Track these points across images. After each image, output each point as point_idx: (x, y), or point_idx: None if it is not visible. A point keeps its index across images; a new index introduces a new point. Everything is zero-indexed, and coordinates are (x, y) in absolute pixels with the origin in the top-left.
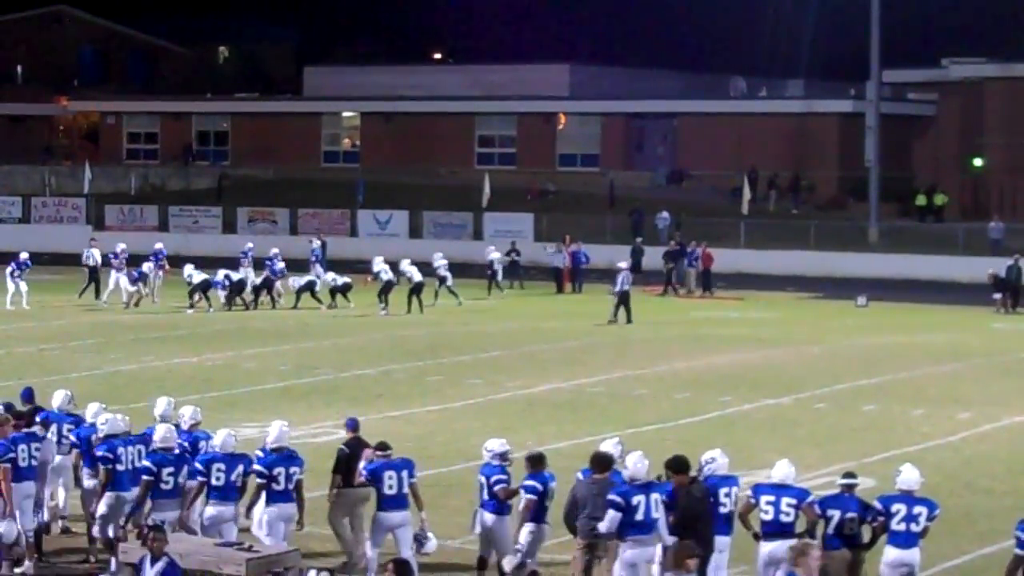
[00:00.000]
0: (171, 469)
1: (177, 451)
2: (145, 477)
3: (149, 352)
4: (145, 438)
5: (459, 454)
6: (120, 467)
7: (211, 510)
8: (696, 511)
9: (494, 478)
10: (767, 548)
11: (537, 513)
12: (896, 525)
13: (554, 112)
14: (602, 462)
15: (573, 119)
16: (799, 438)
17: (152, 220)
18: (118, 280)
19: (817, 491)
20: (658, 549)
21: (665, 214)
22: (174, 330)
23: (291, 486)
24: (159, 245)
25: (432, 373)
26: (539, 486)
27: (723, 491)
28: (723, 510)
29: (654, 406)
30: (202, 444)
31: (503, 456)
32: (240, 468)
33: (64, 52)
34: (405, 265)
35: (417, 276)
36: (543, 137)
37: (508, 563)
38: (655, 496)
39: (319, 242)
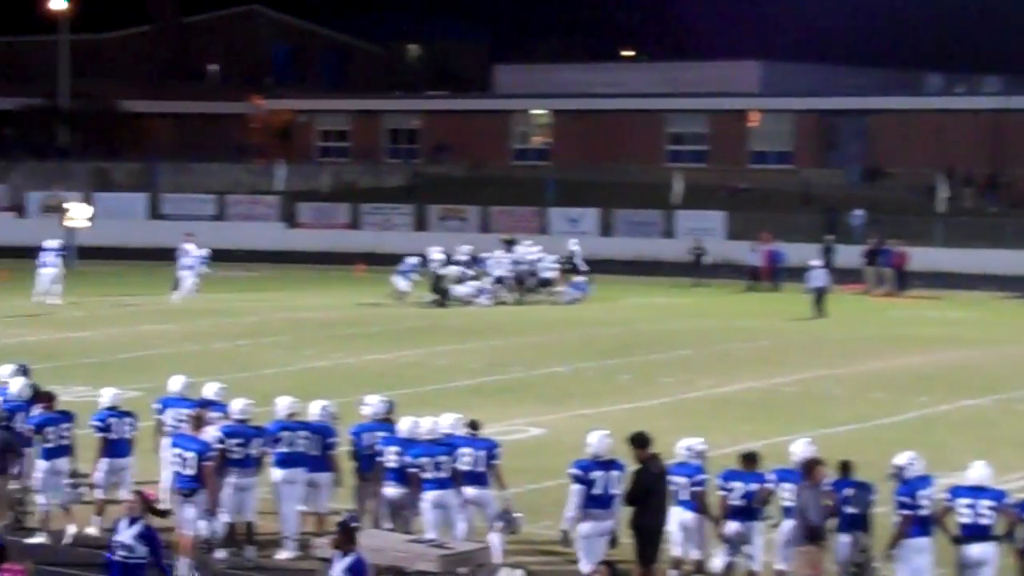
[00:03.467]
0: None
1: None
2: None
3: (341, 349)
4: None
5: None
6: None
7: (230, 480)
8: (650, 486)
9: (696, 478)
10: (966, 551)
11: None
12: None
13: (746, 109)
14: (810, 465)
15: (765, 116)
16: (998, 439)
17: (344, 218)
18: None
19: (1017, 493)
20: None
21: (859, 212)
22: (366, 327)
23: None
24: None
25: (623, 371)
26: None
27: (921, 493)
28: (922, 512)
29: (849, 406)
30: (215, 414)
31: (701, 455)
32: (257, 441)
33: (257, 51)
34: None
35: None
36: (735, 134)
37: (717, 563)
38: (615, 473)
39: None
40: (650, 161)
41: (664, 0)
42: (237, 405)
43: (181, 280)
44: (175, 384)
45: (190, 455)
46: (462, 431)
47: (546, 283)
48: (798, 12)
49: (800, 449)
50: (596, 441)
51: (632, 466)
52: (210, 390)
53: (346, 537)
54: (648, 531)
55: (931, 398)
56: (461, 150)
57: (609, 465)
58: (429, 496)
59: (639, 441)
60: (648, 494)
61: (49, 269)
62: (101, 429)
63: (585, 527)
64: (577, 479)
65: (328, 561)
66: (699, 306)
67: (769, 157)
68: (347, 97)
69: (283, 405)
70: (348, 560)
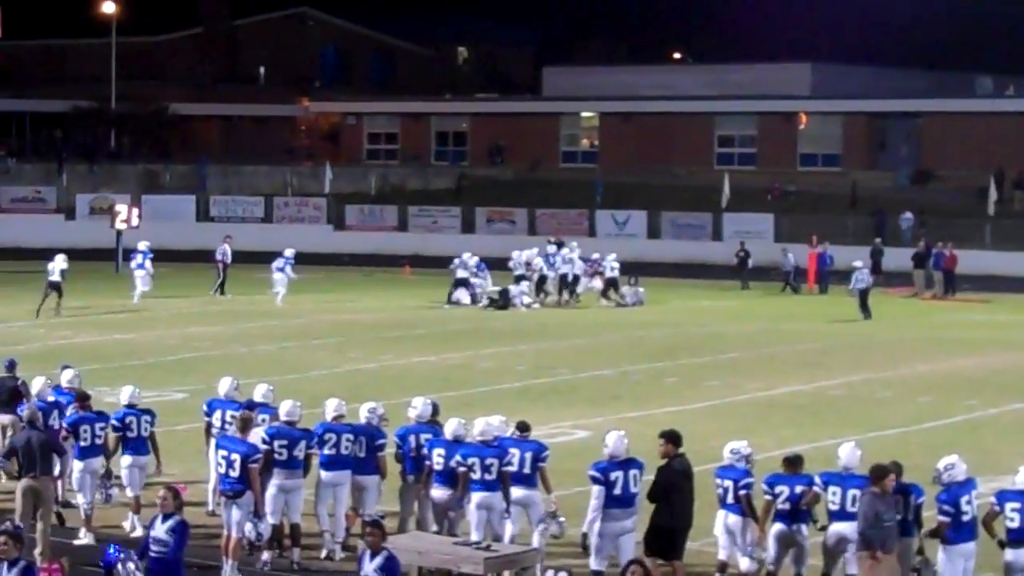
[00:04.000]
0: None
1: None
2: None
3: (388, 351)
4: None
5: (698, 456)
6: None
7: (274, 481)
8: (671, 483)
9: (742, 481)
10: (1013, 555)
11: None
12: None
13: (795, 111)
14: (881, 472)
15: (814, 118)
16: None
17: (391, 220)
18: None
19: None
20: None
21: (908, 215)
22: (413, 329)
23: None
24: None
25: (670, 374)
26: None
27: (963, 498)
28: (965, 518)
29: (897, 409)
30: (262, 416)
31: (748, 458)
32: (303, 444)
33: (306, 53)
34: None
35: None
36: (784, 137)
37: (746, 564)
38: (633, 472)
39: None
40: (698, 164)
41: (713, 2)
42: (285, 407)
43: (277, 283)
44: (223, 386)
45: (236, 457)
46: (509, 433)
47: (614, 282)
48: (848, 14)
49: (847, 453)
50: (612, 442)
51: (658, 464)
52: (258, 392)
53: (378, 535)
54: (662, 529)
55: (979, 401)
56: (514, 152)
57: (628, 464)
58: (475, 498)
59: (671, 436)
60: (668, 491)
61: (142, 271)
62: (119, 428)
63: (603, 527)
64: (596, 480)
65: (358, 560)
66: (746, 309)
67: (818, 159)
68: (395, 99)
69: (331, 407)
70: (379, 559)
